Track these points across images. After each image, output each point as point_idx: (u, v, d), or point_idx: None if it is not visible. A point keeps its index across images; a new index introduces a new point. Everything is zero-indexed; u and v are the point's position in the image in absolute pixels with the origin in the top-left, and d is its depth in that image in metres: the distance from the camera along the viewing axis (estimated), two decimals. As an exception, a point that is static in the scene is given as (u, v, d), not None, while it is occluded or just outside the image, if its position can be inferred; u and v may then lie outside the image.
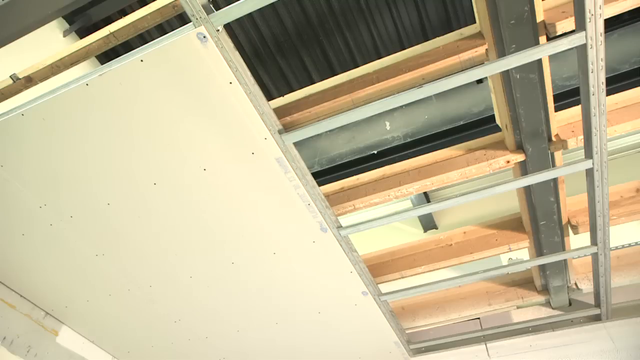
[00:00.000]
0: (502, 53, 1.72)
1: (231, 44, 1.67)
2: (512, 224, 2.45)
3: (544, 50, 1.57)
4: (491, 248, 2.39)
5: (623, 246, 2.62)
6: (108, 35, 1.86)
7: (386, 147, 3.68)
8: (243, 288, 2.50)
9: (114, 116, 1.88)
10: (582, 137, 1.82)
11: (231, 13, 1.60)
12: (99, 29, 1.91)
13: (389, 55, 2.06)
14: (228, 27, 1.69)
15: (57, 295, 2.63)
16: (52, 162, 2.05)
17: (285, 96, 2.25)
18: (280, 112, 2.14)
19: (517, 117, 1.86)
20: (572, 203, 2.28)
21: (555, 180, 2.05)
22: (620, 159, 3.46)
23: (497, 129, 2.09)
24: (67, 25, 4.02)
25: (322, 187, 2.15)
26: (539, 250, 2.37)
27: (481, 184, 4.71)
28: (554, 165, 2.01)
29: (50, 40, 3.78)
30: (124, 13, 3.81)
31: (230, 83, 1.74)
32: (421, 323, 2.84)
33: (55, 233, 2.30)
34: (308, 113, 2.09)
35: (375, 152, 3.69)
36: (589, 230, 2.11)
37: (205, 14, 1.60)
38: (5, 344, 2.44)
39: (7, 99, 2.02)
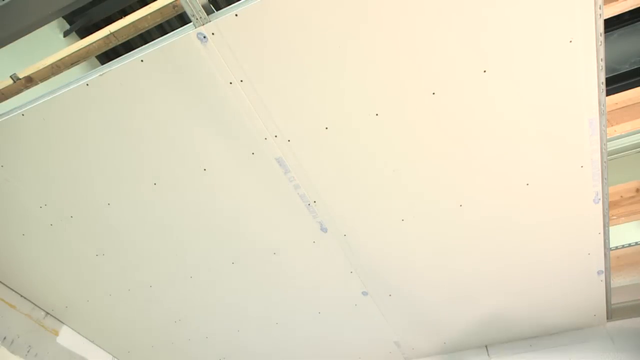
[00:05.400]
0: None
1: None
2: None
3: None
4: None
5: (623, 246, 2.61)
6: (108, 35, 1.87)
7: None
8: (243, 288, 2.50)
9: (114, 116, 1.89)
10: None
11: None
12: (99, 29, 1.91)
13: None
14: (228, 27, 1.69)
15: (57, 295, 2.63)
16: (52, 162, 2.05)
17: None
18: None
19: None
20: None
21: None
22: (620, 159, 3.46)
23: None
24: (67, 25, 4.03)
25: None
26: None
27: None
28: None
29: (50, 40, 3.79)
30: (124, 13, 3.81)
31: (230, 83, 1.74)
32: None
33: (55, 233, 2.30)
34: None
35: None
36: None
37: (206, 14, 1.61)
38: (5, 344, 2.44)
39: (7, 99, 2.02)
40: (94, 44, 1.89)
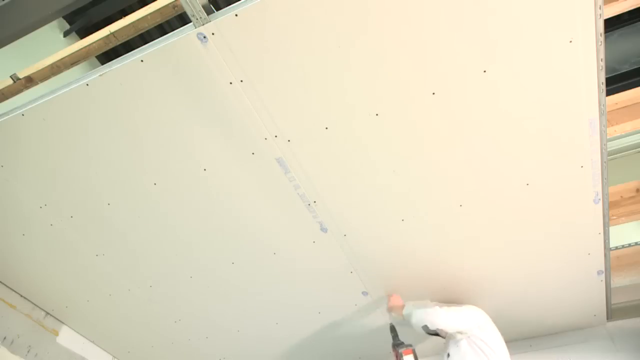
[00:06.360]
0: None
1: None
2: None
3: None
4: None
5: (623, 246, 2.62)
6: (108, 35, 1.87)
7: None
8: (243, 288, 2.50)
9: (114, 116, 1.88)
10: None
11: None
12: (99, 29, 1.91)
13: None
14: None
15: (57, 295, 2.63)
16: (52, 162, 2.05)
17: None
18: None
19: None
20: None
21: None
22: (620, 159, 3.46)
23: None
24: (67, 25, 4.03)
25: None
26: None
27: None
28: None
29: (50, 40, 3.79)
30: (124, 13, 3.81)
31: (231, 83, 1.74)
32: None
33: (55, 233, 2.30)
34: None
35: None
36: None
37: (206, 14, 1.60)
38: (5, 344, 2.44)
39: (7, 99, 2.02)
40: (94, 44, 1.88)
